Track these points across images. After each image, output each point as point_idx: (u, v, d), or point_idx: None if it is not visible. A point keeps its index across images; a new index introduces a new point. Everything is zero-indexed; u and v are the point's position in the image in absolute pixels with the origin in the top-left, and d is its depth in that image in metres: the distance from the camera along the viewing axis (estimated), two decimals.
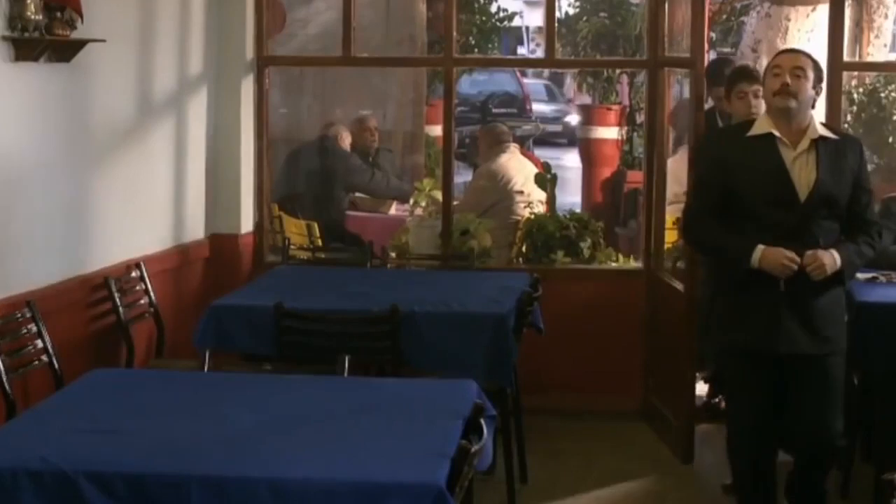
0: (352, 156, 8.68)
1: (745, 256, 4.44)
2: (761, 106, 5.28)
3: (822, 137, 4.50)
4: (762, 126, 4.55)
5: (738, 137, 4.62)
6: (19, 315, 4.76)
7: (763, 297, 4.48)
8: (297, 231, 7.85)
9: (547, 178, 7.79)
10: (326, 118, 9.51)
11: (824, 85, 4.77)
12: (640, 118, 11.09)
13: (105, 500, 2.95)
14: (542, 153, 15.08)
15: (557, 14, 7.66)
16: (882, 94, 12.82)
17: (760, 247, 4.41)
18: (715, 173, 4.62)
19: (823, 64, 5.00)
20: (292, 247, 6.75)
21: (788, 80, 4.42)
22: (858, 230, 4.59)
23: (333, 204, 8.45)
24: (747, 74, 5.78)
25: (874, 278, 5.37)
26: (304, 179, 8.56)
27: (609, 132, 13.42)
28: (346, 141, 8.78)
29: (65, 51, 5.06)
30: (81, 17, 5.01)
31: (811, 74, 4.47)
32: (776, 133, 4.48)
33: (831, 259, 4.44)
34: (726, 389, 4.67)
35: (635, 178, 9.10)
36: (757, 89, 5.41)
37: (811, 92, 4.50)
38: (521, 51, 25.83)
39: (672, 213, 6.32)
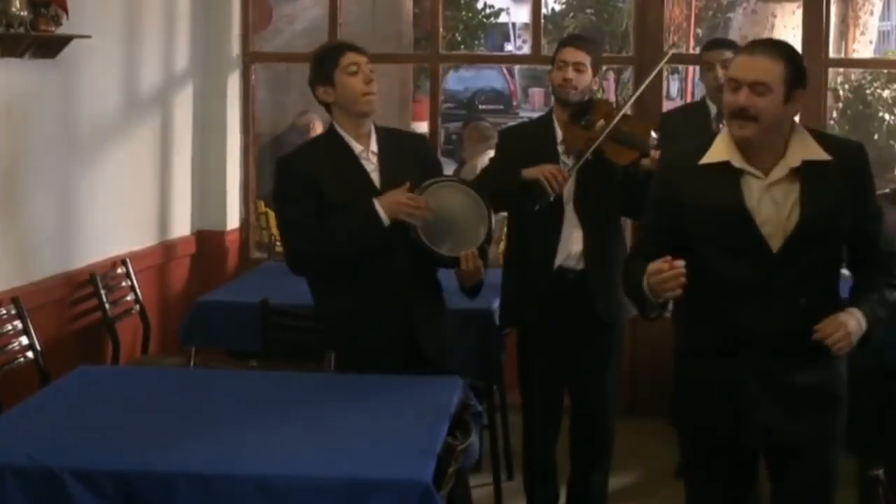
0: None
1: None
2: (585, 81, 4.69)
3: (808, 162, 3.25)
4: (719, 151, 3.29)
5: (690, 165, 3.33)
6: (5, 312, 4.75)
7: (729, 365, 3.30)
8: None
9: None
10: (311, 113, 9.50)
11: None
12: None
13: (91, 497, 2.95)
14: None
15: (544, 10, 7.69)
16: (868, 91, 12.86)
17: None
18: (658, 216, 3.42)
19: None
20: (278, 243, 6.74)
21: (744, 100, 3.16)
22: (874, 269, 3.37)
23: None
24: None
25: None
26: None
27: None
28: (317, 130, 8.76)
29: (50, 47, 5.04)
30: (67, 12, 5.00)
31: (779, 86, 3.17)
32: (735, 163, 3.25)
33: (855, 322, 3.22)
34: (685, 478, 3.64)
35: None
36: (581, 62, 4.66)
37: (782, 108, 3.20)
38: (508, 47, 25.80)
39: None
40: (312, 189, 4.01)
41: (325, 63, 4.08)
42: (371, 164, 4.09)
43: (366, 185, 4.04)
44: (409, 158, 4.14)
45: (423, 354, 4.09)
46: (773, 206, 3.25)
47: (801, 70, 3.24)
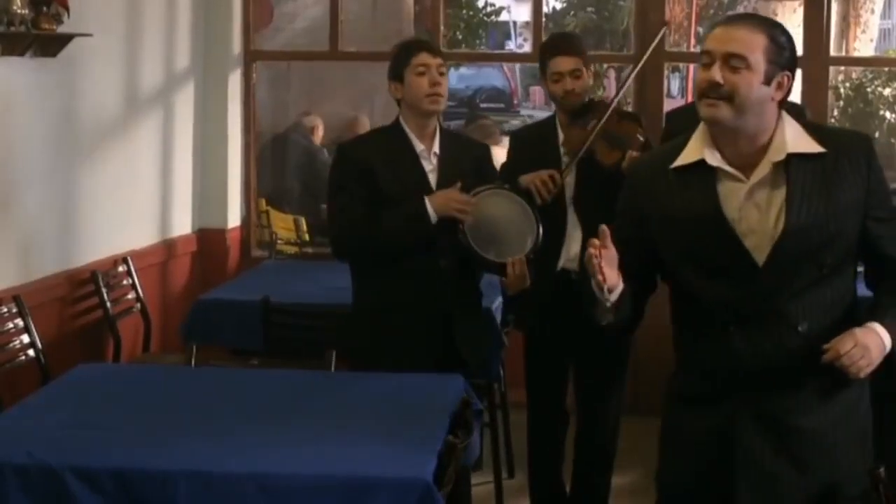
0: (320, 150, 8.71)
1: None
2: (584, 84, 4.61)
3: (795, 155, 2.76)
4: (692, 149, 2.82)
5: (660, 169, 2.87)
6: (6, 310, 4.75)
7: (720, 409, 2.82)
8: (284, 226, 7.86)
9: None
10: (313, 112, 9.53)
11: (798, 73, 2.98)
12: None
13: (91, 495, 2.95)
14: None
15: (545, 9, 7.68)
16: (868, 89, 12.88)
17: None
18: (618, 230, 2.85)
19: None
20: (279, 241, 6.75)
21: (718, 75, 2.70)
22: (894, 279, 2.85)
23: (310, 196, 8.51)
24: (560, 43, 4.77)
25: None
26: (282, 171, 8.60)
27: None
28: (319, 133, 8.79)
29: (51, 45, 5.04)
30: (68, 11, 5.00)
31: (760, 60, 2.71)
32: (709, 160, 2.77)
33: (875, 338, 2.72)
34: None
35: None
36: (576, 68, 4.56)
37: (762, 89, 2.72)
38: (509, 45, 25.80)
39: None
40: (367, 178, 4.03)
41: (398, 60, 4.15)
42: (430, 165, 4.13)
43: (421, 184, 4.07)
44: (468, 164, 4.18)
45: (459, 355, 4.11)
46: (756, 212, 2.73)
47: (785, 49, 2.74)
